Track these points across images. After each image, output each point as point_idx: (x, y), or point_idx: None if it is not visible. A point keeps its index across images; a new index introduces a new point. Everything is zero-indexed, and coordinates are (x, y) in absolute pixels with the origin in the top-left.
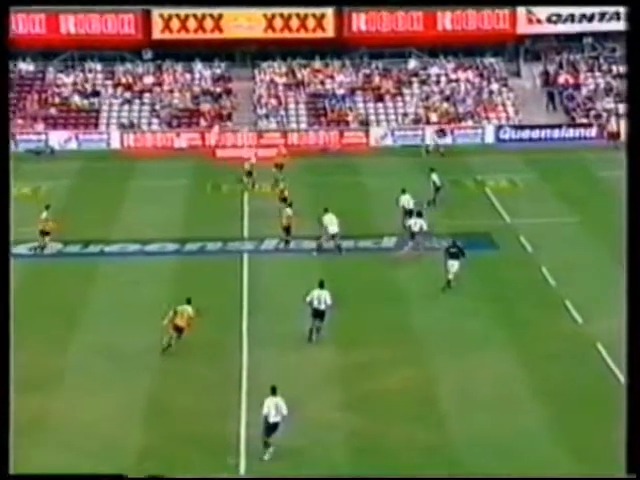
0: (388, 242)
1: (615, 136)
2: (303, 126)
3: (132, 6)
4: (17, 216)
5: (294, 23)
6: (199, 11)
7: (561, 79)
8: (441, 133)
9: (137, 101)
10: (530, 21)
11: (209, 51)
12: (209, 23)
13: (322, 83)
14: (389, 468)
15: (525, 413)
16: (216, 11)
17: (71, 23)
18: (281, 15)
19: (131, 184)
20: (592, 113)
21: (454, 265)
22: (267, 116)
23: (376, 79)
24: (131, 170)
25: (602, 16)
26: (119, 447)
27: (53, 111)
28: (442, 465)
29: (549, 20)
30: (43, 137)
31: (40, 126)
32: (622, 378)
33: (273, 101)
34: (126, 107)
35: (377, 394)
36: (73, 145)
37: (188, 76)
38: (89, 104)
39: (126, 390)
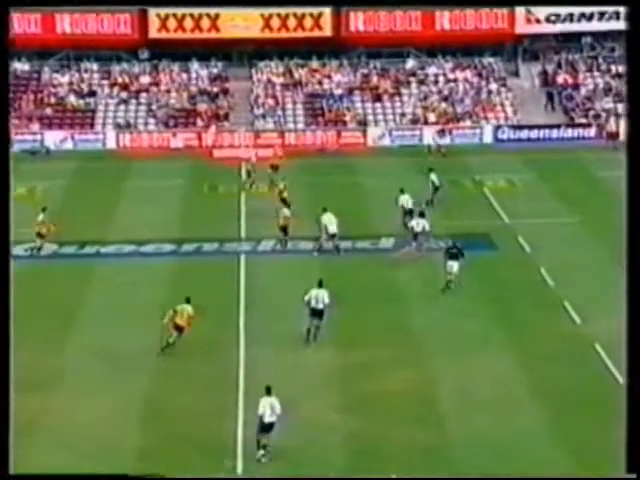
0: (386, 243)
1: (614, 136)
2: (300, 126)
3: (129, 6)
4: (13, 216)
5: (291, 23)
6: (196, 11)
7: (560, 79)
8: (442, 133)
9: (133, 101)
10: (529, 21)
11: (206, 51)
12: (206, 23)
13: (320, 83)
14: (388, 469)
15: (524, 414)
16: (213, 11)
17: (67, 22)
18: (278, 15)
19: (127, 184)
20: (591, 113)
21: (454, 266)
22: (264, 116)
23: (374, 79)
24: (127, 170)
25: (601, 16)
26: (116, 448)
27: (49, 111)
28: (441, 466)
29: (548, 20)
30: (39, 137)
31: (35, 126)
32: (620, 378)
33: (270, 101)
34: (122, 107)
35: (376, 395)
36: (69, 145)
37: (185, 76)
38: (85, 104)
39: (123, 391)
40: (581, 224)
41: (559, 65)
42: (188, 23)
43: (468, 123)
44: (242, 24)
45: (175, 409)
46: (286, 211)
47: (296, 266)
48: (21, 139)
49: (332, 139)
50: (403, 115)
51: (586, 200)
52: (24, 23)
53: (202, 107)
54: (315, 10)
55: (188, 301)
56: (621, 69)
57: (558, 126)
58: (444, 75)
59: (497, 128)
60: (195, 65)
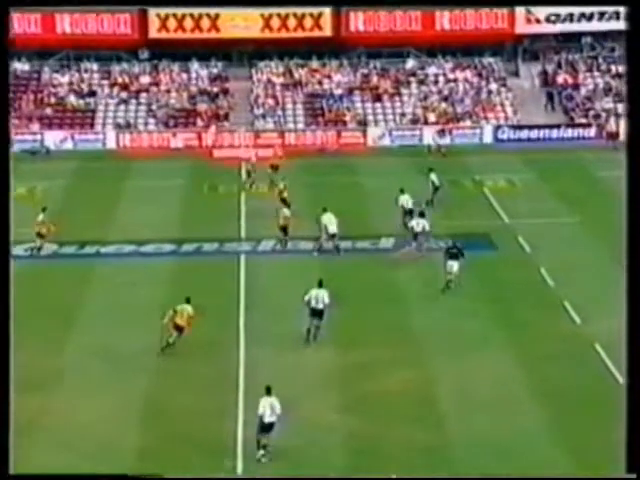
0: (386, 243)
1: (614, 136)
2: (300, 126)
3: (130, 6)
4: (12, 216)
5: (291, 23)
6: (196, 11)
7: (560, 79)
8: (442, 133)
9: (133, 101)
10: (529, 21)
11: (206, 51)
12: (206, 23)
13: (320, 83)
14: (388, 469)
15: (524, 414)
16: (213, 11)
17: (67, 22)
18: (278, 15)
19: (127, 184)
20: (591, 113)
21: (454, 266)
22: (264, 116)
23: (374, 79)
24: (127, 170)
25: (601, 15)
26: (116, 448)
27: (49, 111)
28: (441, 466)
29: (548, 20)
30: (39, 137)
31: (35, 126)
32: (620, 378)
33: (270, 101)
34: (122, 107)
35: (376, 395)
36: (69, 145)
37: (185, 76)
38: (85, 104)
39: (123, 391)
40: (581, 224)
41: (559, 65)
42: (188, 23)
43: (468, 123)
44: (242, 24)
45: (175, 409)
46: (286, 211)
47: (296, 266)
48: (21, 139)
49: (332, 139)
50: (403, 115)
51: (586, 200)
52: (24, 23)
53: (202, 107)
54: (315, 10)
55: (188, 301)
56: (621, 69)
57: (558, 126)
58: (444, 75)
59: (497, 128)
60: (195, 65)
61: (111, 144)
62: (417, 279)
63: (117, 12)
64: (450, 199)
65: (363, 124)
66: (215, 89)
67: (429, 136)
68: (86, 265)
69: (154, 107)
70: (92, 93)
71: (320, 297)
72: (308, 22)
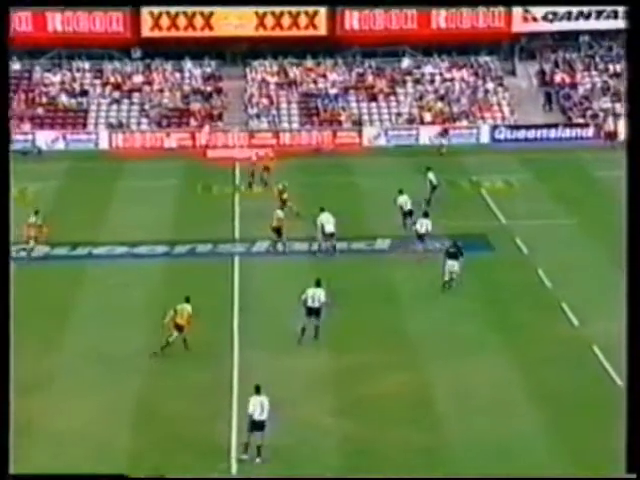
0: (382, 244)
1: (612, 136)
2: (295, 126)
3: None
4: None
5: (286, 21)
6: (189, 9)
7: (557, 78)
8: (444, 133)
9: (126, 100)
10: (525, 19)
11: (199, 49)
12: (199, 21)
13: (314, 82)
14: (384, 471)
15: (521, 416)
16: (206, 9)
17: (58, 21)
18: (272, 13)
19: (120, 185)
20: (589, 113)
21: (454, 265)
22: (258, 116)
23: (369, 78)
24: (120, 171)
25: (599, 14)
26: (109, 450)
27: (40, 111)
28: (438, 468)
29: (545, 18)
30: (30, 137)
31: (27, 126)
32: (618, 381)
33: (265, 100)
34: (115, 107)
35: (371, 398)
36: (60, 145)
37: (178, 75)
38: (77, 104)
39: (116, 393)
40: (579, 225)
41: (556, 64)
42: (181, 21)
43: (465, 123)
44: (236, 22)
45: (169, 412)
46: (279, 212)
47: (290, 267)
48: (12, 139)
49: (327, 139)
50: (399, 115)
51: (584, 200)
52: (15, 21)
53: (195, 107)
54: (310, 8)
55: (188, 300)
56: (619, 68)
57: (556, 126)
58: (440, 74)
59: (494, 128)
60: (188, 64)
61: (103, 144)
62: (413, 280)
63: (109, 10)
64: (447, 200)
65: (358, 124)
66: (209, 88)
67: (425, 136)
68: (78, 267)
69: (147, 107)
70: (84, 92)
71: (317, 296)
72: (303, 21)
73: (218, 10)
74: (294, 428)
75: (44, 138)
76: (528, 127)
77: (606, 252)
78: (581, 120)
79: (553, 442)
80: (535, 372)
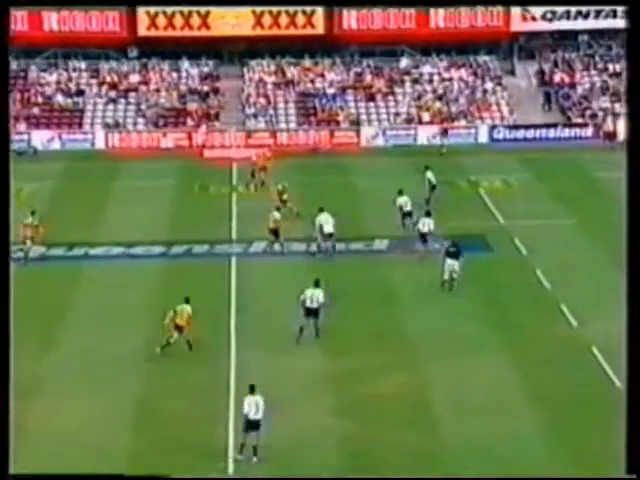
0: (380, 244)
1: (611, 136)
2: (293, 126)
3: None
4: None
5: (283, 20)
6: (186, 8)
7: (556, 78)
8: (445, 133)
9: (122, 100)
10: (524, 18)
11: (196, 49)
12: (196, 20)
13: (312, 82)
14: (382, 472)
15: (519, 417)
16: (203, 8)
17: (54, 20)
18: (270, 12)
19: (116, 185)
20: (588, 112)
21: (455, 265)
22: (256, 115)
23: (367, 78)
24: (116, 171)
25: (598, 13)
26: (107, 450)
27: (36, 110)
28: (435, 469)
29: (544, 17)
30: (26, 137)
31: (22, 126)
32: (617, 382)
33: (262, 100)
34: (111, 106)
35: (370, 399)
36: (56, 145)
37: (175, 75)
38: (73, 103)
39: (113, 394)
40: (578, 225)
41: (555, 64)
42: (178, 21)
43: (463, 123)
44: (233, 22)
45: (166, 413)
46: (276, 214)
47: (288, 268)
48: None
49: (325, 139)
50: (397, 114)
51: (583, 201)
52: (10, 20)
53: (192, 106)
54: (307, 8)
55: (187, 301)
56: (618, 68)
57: (555, 126)
58: (439, 74)
59: (493, 128)
60: (185, 64)
61: (100, 144)
62: (411, 280)
63: (105, 10)
64: (445, 200)
65: (356, 123)
66: (206, 88)
67: (424, 136)
68: (75, 267)
69: (143, 106)
70: (80, 92)
71: (315, 297)
72: (300, 20)
73: (215, 9)
74: (292, 428)
75: (40, 138)
76: (527, 127)
77: (605, 252)
78: (580, 120)
79: (552, 443)
80: (534, 373)
